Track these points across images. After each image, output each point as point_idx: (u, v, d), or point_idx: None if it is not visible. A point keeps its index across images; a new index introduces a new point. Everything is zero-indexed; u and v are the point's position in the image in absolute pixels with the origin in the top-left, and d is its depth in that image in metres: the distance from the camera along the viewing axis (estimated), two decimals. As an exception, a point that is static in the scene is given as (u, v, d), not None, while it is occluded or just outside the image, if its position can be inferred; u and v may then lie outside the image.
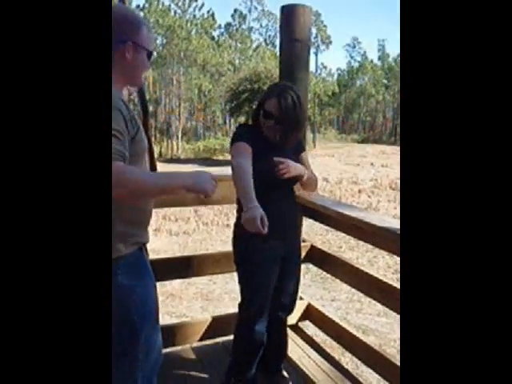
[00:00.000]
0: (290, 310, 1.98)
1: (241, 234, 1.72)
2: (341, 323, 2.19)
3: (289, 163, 1.65)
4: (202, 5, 34.13)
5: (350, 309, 3.83)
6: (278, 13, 2.21)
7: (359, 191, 10.60)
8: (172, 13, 32.02)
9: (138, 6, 30.52)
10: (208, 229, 7.34)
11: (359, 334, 2.09)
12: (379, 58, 47.73)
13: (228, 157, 20.69)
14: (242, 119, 18.76)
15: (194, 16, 33.45)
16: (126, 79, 1.31)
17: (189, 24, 32.07)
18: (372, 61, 46.85)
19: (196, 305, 3.81)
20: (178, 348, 2.23)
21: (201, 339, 2.21)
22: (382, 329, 3.43)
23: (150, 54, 1.32)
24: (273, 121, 1.65)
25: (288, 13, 2.06)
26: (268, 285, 1.79)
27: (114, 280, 1.18)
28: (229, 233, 7.46)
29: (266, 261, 1.76)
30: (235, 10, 39.43)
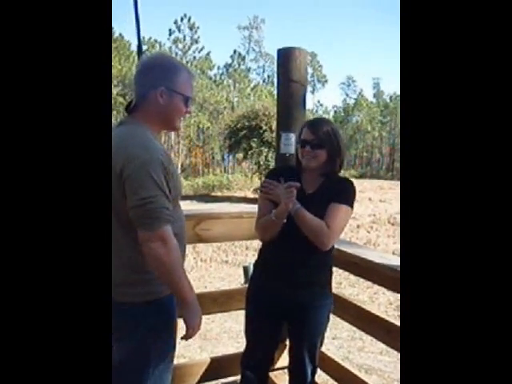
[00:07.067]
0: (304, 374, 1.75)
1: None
2: (342, 363, 2.13)
3: (277, 187, 1.51)
4: (202, 47, 35.49)
5: (351, 347, 3.74)
6: (274, 53, 2.29)
7: (358, 226, 10.57)
8: (173, 54, 33.12)
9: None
10: (206, 265, 7.26)
11: (361, 374, 2.04)
12: (374, 96, 48.84)
13: (226, 193, 20.74)
14: (240, 155, 18.93)
15: (194, 57, 34.70)
16: (161, 123, 1.34)
17: (189, 65, 33.11)
18: (367, 98, 47.90)
19: (194, 344, 3.71)
20: (176, 390, 2.16)
21: (199, 381, 2.14)
22: (385, 368, 3.34)
23: (187, 99, 1.35)
24: (308, 145, 1.58)
25: (285, 55, 2.14)
26: (260, 336, 1.71)
27: (145, 321, 1.26)
28: (227, 269, 7.29)
29: (261, 304, 1.66)
30: (234, 51, 40.69)
